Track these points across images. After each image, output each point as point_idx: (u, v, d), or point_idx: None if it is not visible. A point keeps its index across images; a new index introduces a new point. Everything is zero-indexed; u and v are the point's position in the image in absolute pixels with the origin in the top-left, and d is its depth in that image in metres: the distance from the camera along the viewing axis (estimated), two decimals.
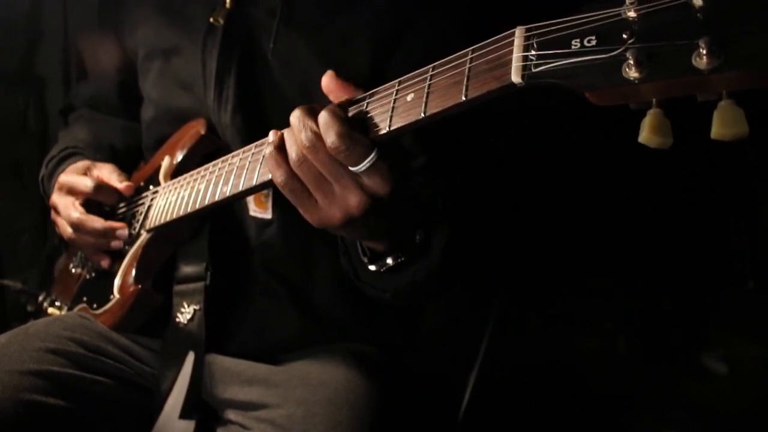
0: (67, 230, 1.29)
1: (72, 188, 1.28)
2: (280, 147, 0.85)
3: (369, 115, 0.82)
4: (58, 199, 1.31)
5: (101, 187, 1.27)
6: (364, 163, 0.79)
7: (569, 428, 1.96)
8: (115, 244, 1.25)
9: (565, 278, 2.15)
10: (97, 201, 1.30)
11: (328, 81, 0.88)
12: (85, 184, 1.26)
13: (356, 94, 0.86)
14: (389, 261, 0.96)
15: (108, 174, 1.31)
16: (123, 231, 1.24)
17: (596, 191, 2.06)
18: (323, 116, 0.80)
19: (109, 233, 1.25)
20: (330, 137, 0.78)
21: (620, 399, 2.02)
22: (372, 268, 0.98)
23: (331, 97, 0.88)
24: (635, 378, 2.08)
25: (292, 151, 0.83)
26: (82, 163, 1.34)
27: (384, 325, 1.29)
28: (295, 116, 0.83)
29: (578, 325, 2.17)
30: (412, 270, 0.97)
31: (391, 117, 0.79)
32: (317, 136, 0.80)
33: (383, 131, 0.80)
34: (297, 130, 0.82)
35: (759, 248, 2.08)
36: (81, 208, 1.26)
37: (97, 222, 1.25)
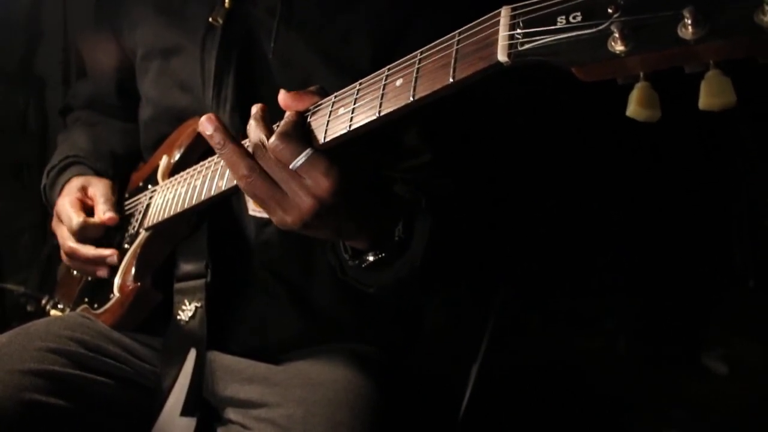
0: (64, 256, 1.32)
1: (64, 221, 1.30)
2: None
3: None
4: (56, 227, 1.33)
5: (86, 227, 1.27)
6: (300, 157, 0.81)
7: (569, 428, 1.96)
8: (101, 273, 1.27)
9: (566, 275, 2.15)
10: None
11: (282, 99, 0.88)
12: (71, 224, 1.27)
13: (315, 99, 0.87)
14: (370, 258, 0.96)
15: (99, 197, 1.31)
16: (112, 258, 1.25)
17: (599, 189, 2.06)
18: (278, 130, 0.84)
19: (99, 261, 1.26)
20: (271, 139, 0.83)
21: (620, 399, 2.02)
22: (351, 264, 0.98)
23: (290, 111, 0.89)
24: (635, 378, 2.07)
25: (243, 165, 0.85)
26: (76, 182, 1.34)
27: (385, 326, 1.29)
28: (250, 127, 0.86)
29: (579, 324, 2.17)
30: (394, 267, 0.97)
31: (381, 102, 0.79)
32: (262, 144, 0.84)
33: (371, 118, 0.80)
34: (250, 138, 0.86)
35: (760, 247, 2.08)
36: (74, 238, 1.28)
37: (89, 251, 1.26)
